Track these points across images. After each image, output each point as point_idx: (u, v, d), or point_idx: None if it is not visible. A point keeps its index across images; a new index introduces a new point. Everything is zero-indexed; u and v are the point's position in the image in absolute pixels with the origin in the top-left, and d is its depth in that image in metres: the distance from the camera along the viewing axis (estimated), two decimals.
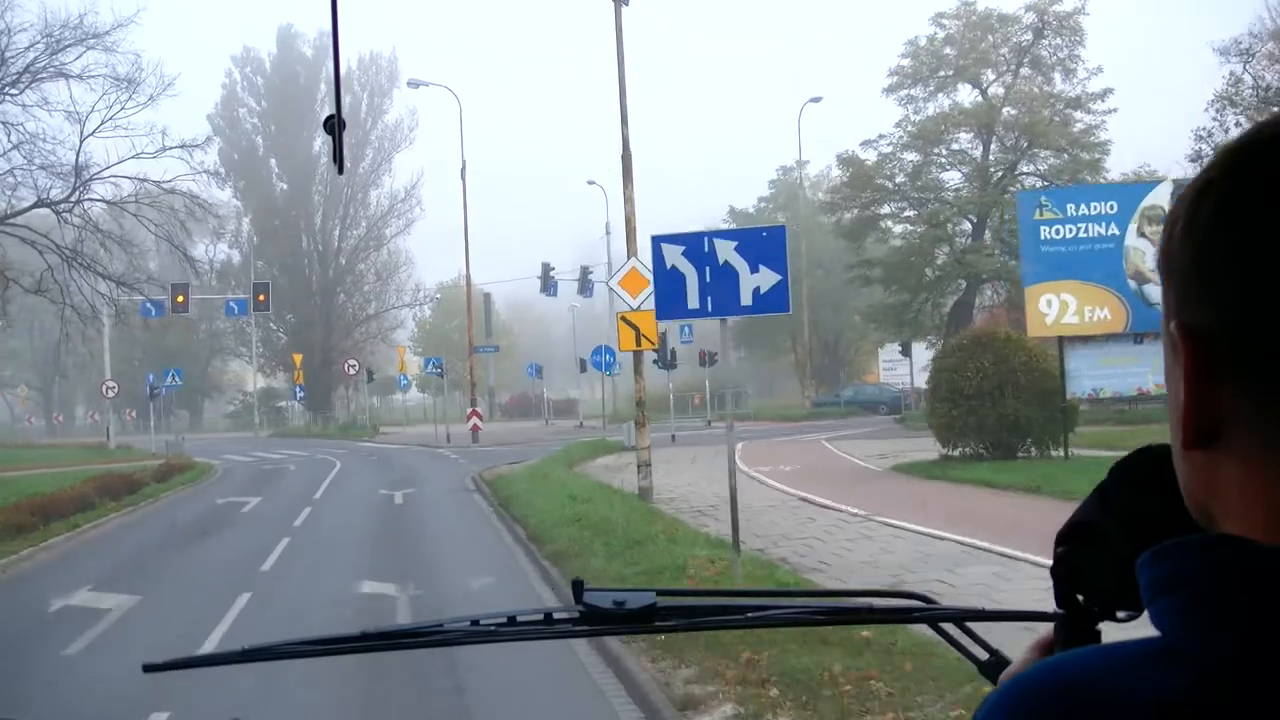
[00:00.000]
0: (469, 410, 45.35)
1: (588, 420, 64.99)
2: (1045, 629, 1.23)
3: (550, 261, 61.07)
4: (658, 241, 11.85)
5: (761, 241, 11.61)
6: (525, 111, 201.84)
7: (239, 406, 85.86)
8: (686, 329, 79.18)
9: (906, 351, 54.89)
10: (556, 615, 1.74)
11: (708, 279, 11.37)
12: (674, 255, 11.52)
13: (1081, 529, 1.11)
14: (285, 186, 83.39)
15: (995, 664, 1.58)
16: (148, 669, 1.76)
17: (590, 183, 66.26)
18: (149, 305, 54.60)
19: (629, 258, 21.66)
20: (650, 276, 22.11)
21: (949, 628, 1.76)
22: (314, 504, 24.87)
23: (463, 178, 46.62)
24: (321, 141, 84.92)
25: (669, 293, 11.62)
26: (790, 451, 34.11)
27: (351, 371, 60.33)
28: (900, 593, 1.98)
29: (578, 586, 1.68)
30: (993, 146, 46.49)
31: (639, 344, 21.13)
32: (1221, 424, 0.83)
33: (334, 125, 2.37)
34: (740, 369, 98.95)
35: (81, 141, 36.37)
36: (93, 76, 36.50)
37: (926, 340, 50.32)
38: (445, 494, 26.85)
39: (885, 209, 47.87)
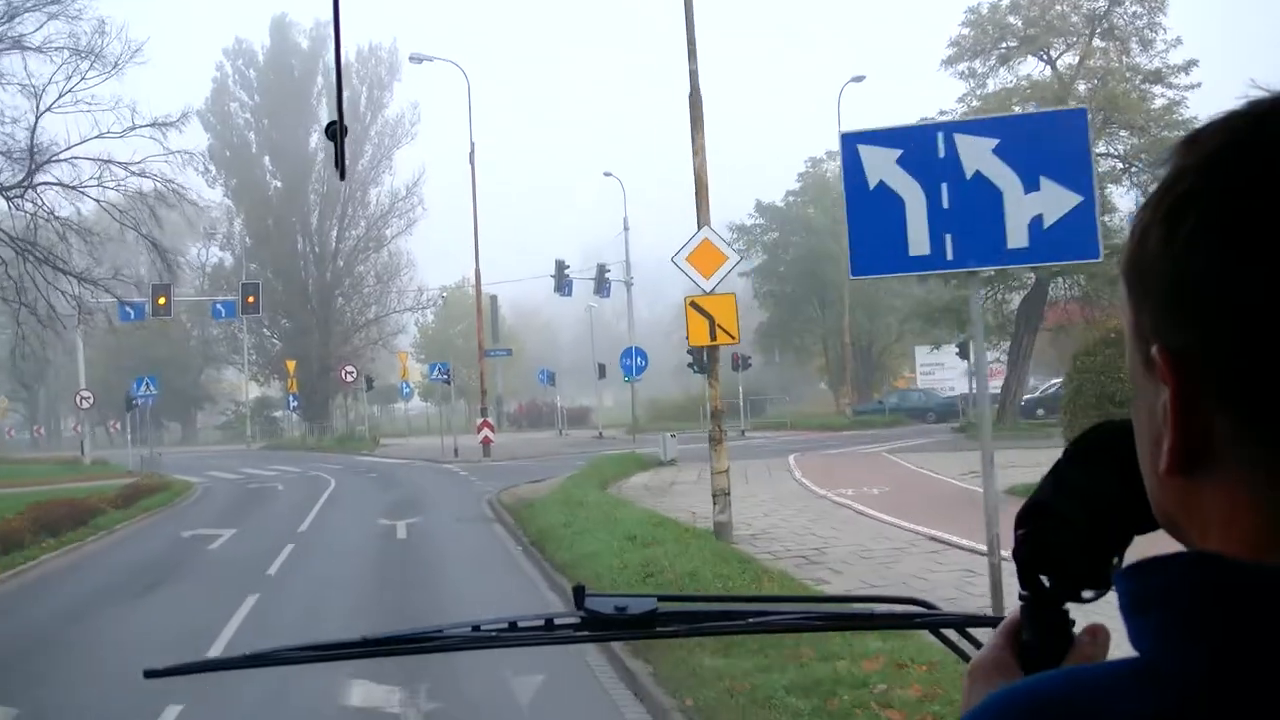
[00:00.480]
0: (480, 421, 40.53)
1: (606, 430, 60.19)
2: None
3: (562, 260, 56.30)
4: (852, 142, 7.05)
5: (1044, 135, 6.61)
6: (532, 106, 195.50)
7: (231, 417, 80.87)
8: None
9: (966, 353, 50.03)
10: (558, 621, 1.72)
11: (945, 203, 6.52)
12: (883, 165, 6.69)
13: (1040, 509, 1.07)
14: (279, 185, 78.75)
15: None
16: (149, 674, 1.73)
17: (607, 174, 61.55)
18: (127, 308, 49.78)
19: (699, 227, 16.94)
20: (729, 252, 17.48)
21: (950, 634, 1.75)
22: (298, 539, 20.13)
23: (471, 162, 42.06)
24: (318, 138, 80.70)
25: (875, 229, 6.83)
26: (858, 468, 29.34)
27: (349, 379, 55.60)
28: (902, 599, 1.90)
29: (579, 592, 1.67)
30: None
31: (714, 337, 16.40)
32: (1207, 449, 0.82)
33: (336, 132, 2.28)
34: (763, 374, 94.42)
35: (37, 118, 31.80)
36: (54, 49, 32.01)
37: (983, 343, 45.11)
38: (459, 525, 22.07)
39: None
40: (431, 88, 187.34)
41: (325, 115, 79.66)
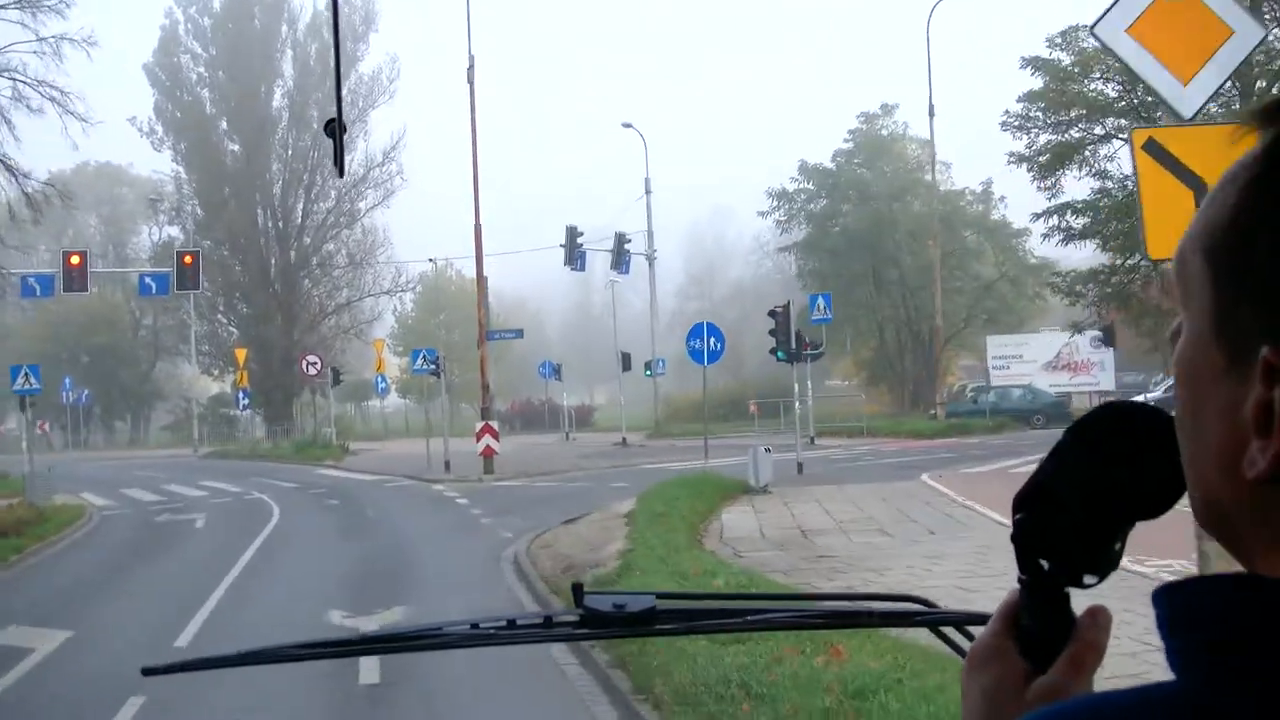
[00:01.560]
0: (479, 426, 30.24)
1: (615, 432, 49.96)
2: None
3: (561, 236, 45.99)
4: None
5: None
6: (529, 67, 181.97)
7: (180, 416, 70.10)
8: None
9: (1109, 339, 39.93)
10: (556, 619, 1.73)
11: None
12: None
13: (1041, 492, 1.04)
14: (237, 149, 68.21)
15: None
16: (146, 672, 1.71)
17: (626, 125, 51.31)
18: (31, 282, 39.37)
19: None
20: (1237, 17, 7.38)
21: (950, 632, 1.75)
22: (149, 692, 9.53)
23: (470, 81, 31.64)
24: (282, 96, 70.39)
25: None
26: None
27: (311, 371, 45.16)
28: (901, 596, 1.93)
29: (577, 590, 1.66)
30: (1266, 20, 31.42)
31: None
32: None
33: (335, 130, 2.36)
34: (762, 369, 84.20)
35: None
36: None
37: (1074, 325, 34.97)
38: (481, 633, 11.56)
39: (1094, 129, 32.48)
40: (411, 46, 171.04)
41: (290, 70, 69.65)
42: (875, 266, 54.58)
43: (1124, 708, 0.78)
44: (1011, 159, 33.61)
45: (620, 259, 48.11)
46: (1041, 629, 1.06)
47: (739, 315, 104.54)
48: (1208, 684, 0.76)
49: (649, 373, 51.01)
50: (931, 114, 45.18)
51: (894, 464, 29.58)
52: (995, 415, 42.32)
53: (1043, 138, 32.54)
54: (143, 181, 78.29)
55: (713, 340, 25.46)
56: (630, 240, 48.96)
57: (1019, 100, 32.32)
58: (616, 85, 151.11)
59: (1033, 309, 57.41)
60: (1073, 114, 31.61)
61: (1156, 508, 0.98)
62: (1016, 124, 32.63)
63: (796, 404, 32.64)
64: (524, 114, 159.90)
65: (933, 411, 48.25)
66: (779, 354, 27.39)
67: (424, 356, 34.19)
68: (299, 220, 68.64)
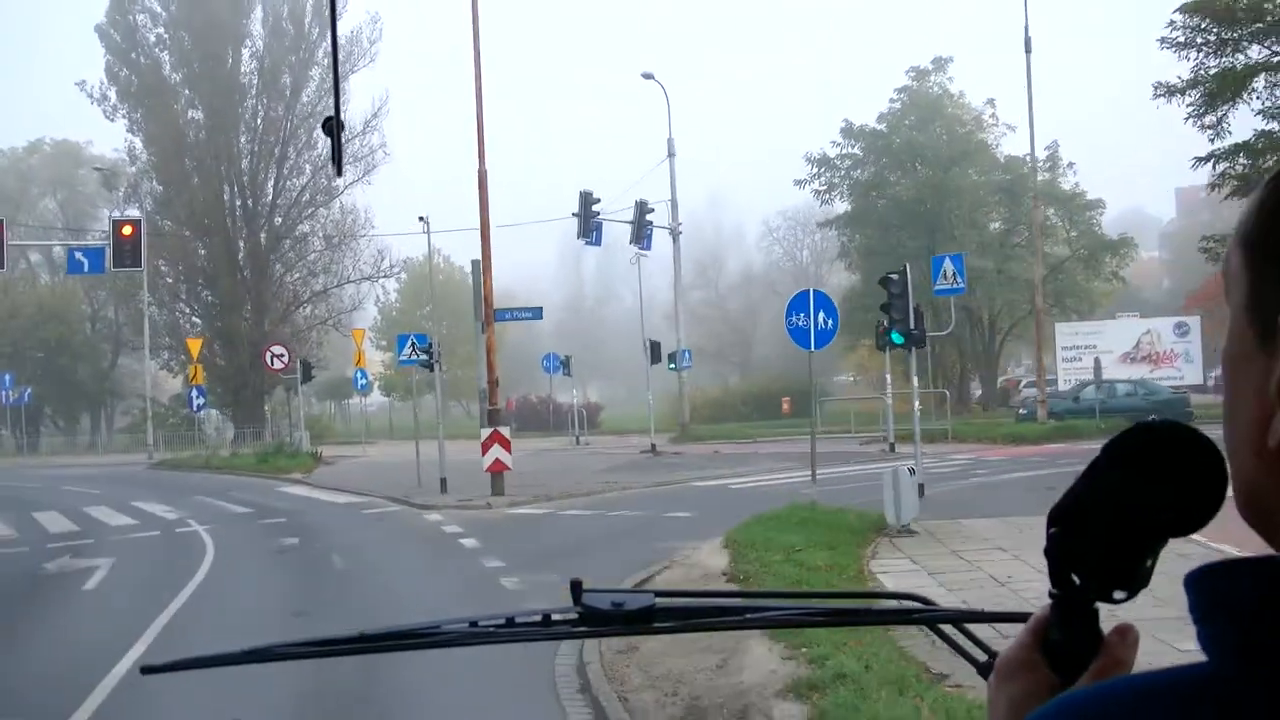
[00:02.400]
0: (486, 434, 23.09)
1: (629, 435, 42.84)
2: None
3: (590, 193, 38.85)
4: None
5: None
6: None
7: (137, 417, 62.56)
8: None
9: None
10: (555, 616, 1.70)
11: None
12: None
13: (1075, 508, 1.07)
14: (200, 117, 60.84)
15: (993, 664, 1.35)
16: (145, 670, 1.73)
17: (647, 77, 44.14)
18: None
19: None
20: None
21: (947, 629, 1.76)
22: None
23: (473, 7, 24.49)
24: (251, 60, 62.96)
25: None
26: None
27: (277, 365, 37.88)
28: (899, 594, 1.93)
29: (576, 587, 1.65)
30: None
31: None
32: None
33: (333, 127, 2.37)
34: (798, 361, 77.43)
35: None
36: None
37: None
38: None
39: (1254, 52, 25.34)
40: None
41: (259, 30, 62.27)
42: (932, 242, 47.49)
43: (1156, 688, 0.81)
44: (1159, 91, 26.41)
45: (642, 231, 40.98)
46: (1070, 643, 1.08)
47: (745, 305, 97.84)
48: (1235, 666, 0.78)
49: (672, 365, 43.97)
50: (1028, 48, 37.83)
51: (1028, 480, 22.59)
52: (1105, 415, 35.16)
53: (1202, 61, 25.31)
54: (104, 162, 70.68)
55: (823, 316, 18.29)
56: (653, 209, 41.84)
57: (1180, 11, 25.07)
58: (628, 37, 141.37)
59: (1104, 293, 50.43)
60: (1245, 32, 24.49)
61: (1189, 525, 0.98)
62: (1181, 40, 25.35)
63: (889, 399, 25.66)
64: (523, 75, 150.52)
65: (1022, 411, 41.11)
66: (893, 336, 20.24)
67: (413, 344, 26.90)
68: (270, 198, 61.56)
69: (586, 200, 38.73)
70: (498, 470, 23.82)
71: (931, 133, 48.61)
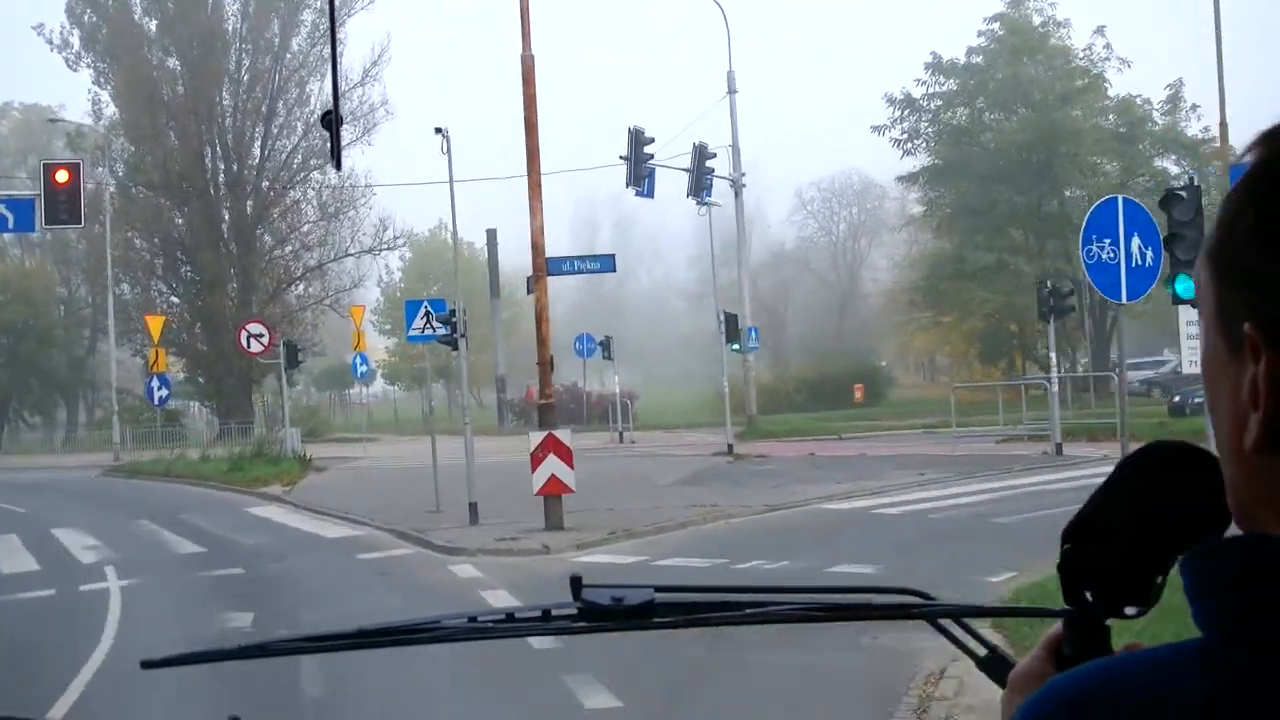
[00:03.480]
0: (539, 439, 15.51)
1: (672, 432, 35.39)
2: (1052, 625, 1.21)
3: (640, 129, 31.34)
4: None
5: None
6: None
7: (107, 412, 54.86)
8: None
9: None
10: (554, 612, 1.69)
11: None
12: None
13: (1088, 525, 1.10)
14: (176, 66, 53.20)
15: (993, 660, 1.53)
16: (146, 665, 1.74)
17: None
18: None
19: None
20: None
21: (947, 623, 1.76)
22: None
23: None
24: (234, 3, 55.34)
25: None
26: None
27: (255, 346, 30.22)
28: (899, 589, 1.87)
29: (576, 583, 1.64)
30: None
31: None
32: None
33: (332, 122, 2.42)
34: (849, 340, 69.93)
35: None
36: None
37: None
38: None
39: None
40: None
41: None
42: (1038, 196, 39.81)
43: (1151, 660, 0.86)
44: None
45: (702, 180, 33.42)
46: (1082, 658, 1.07)
47: (776, 283, 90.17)
48: (1221, 638, 0.82)
49: (735, 346, 36.51)
50: None
51: None
52: None
53: None
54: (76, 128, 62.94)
55: (1138, 244, 10.80)
56: (715, 154, 34.30)
57: None
58: None
59: None
60: None
61: (1201, 541, 0.97)
62: None
63: (1053, 384, 18.24)
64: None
65: (1175, 399, 33.55)
66: (1179, 286, 12.83)
67: (427, 312, 19.30)
68: (257, 160, 53.95)
69: (637, 140, 31.23)
70: (554, 493, 16.31)
71: (1034, 67, 40.87)
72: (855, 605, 1.91)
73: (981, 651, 1.61)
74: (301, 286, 55.97)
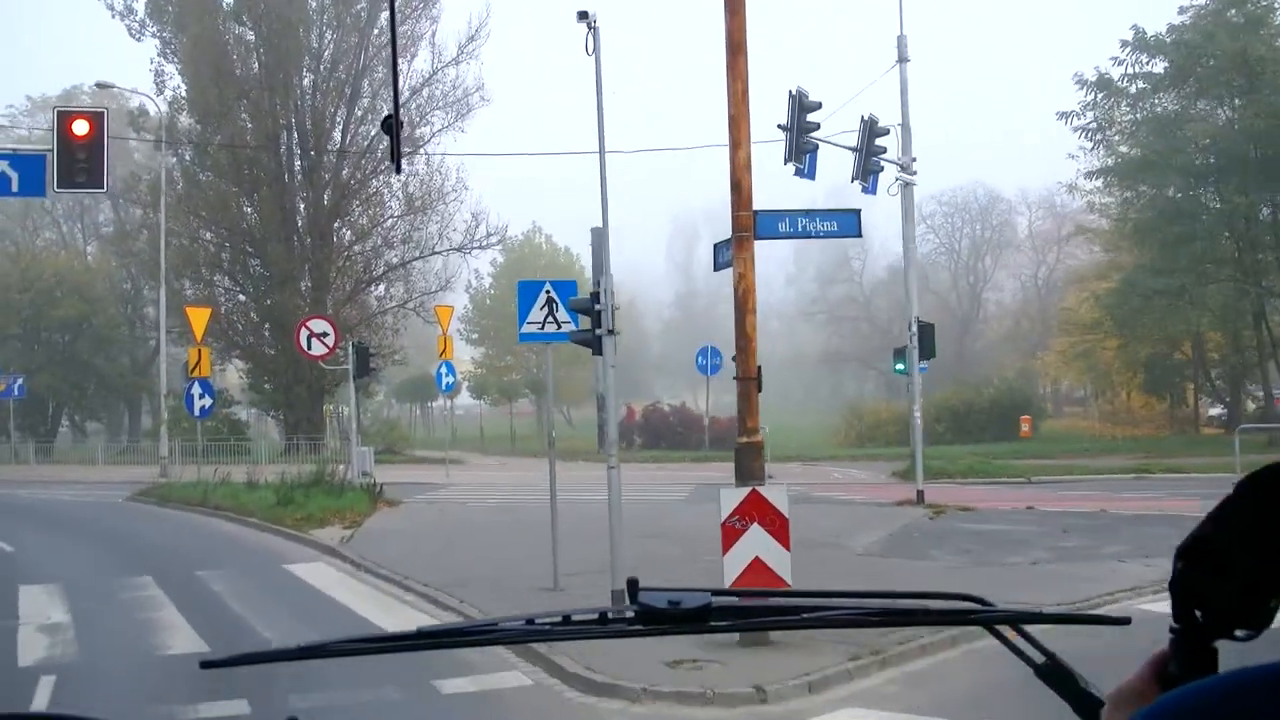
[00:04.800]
0: (735, 498, 9.12)
1: (813, 464, 28.87)
2: (1114, 632, 1.21)
3: (803, 92, 25.05)
4: None
5: None
6: None
7: (169, 418, 49.09)
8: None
9: None
10: (611, 615, 1.72)
11: None
12: None
13: (1203, 545, 1.09)
14: (251, 39, 47.72)
15: (1051, 668, 1.53)
16: (205, 665, 1.73)
17: None
18: None
19: None
20: None
21: (1004, 630, 1.75)
22: None
23: None
24: None
25: None
26: None
27: (317, 348, 24.05)
28: (955, 595, 1.88)
29: (632, 585, 1.66)
30: None
31: None
32: None
33: (392, 125, 2.54)
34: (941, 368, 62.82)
35: None
36: None
37: None
38: None
39: None
40: None
41: None
42: (1257, 199, 32.75)
43: (1253, 682, 0.84)
44: None
45: (869, 164, 26.97)
46: (1187, 678, 1.06)
47: (891, 304, 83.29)
48: None
49: (900, 367, 30.00)
50: None
51: None
52: None
53: None
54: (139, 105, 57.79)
55: None
56: (887, 130, 27.84)
57: None
58: None
59: None
60: None
61: None
62: None
63: None
64: None
65: None
66: None
67: (549, 298, 13.03)
68: (337, 146, 48.20)
69: (800, 106, 24.87)
70: (760, 583, 9.95)
71: (1261, 45, 33.82)
72: (912, 610, 1.89)
73: (1040, 659, 1.55)
74: (382, 287, 50.27)
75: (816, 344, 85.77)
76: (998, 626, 1.76)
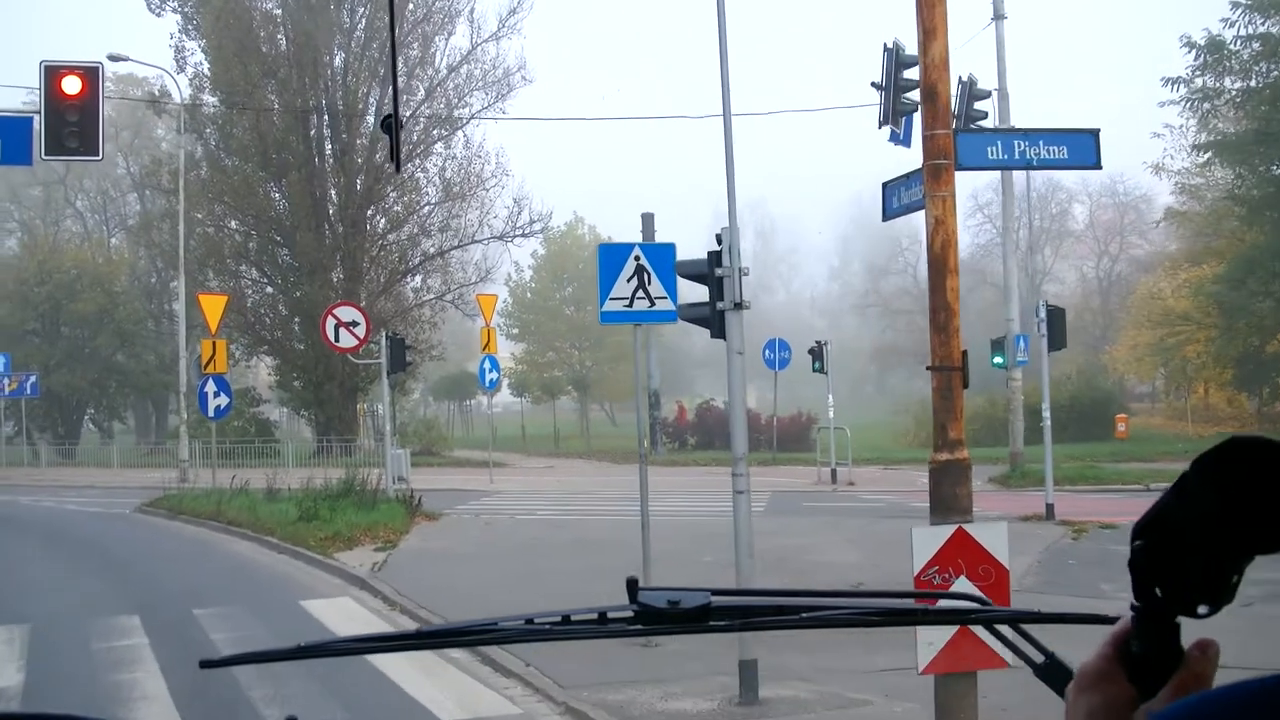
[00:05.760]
0: (938, 540, 6.06)
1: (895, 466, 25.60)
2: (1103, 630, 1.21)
3: (899, 45, 21.77)
4: None
5: None
6: None
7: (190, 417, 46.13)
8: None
9: None
10: (611, 615, 1.68)
11: None
12: None
13: (1161, 521, 1.07)
14: (278, 14, 44.84)
15: (1051, 666, 1.50)
16: (204, 665, 1.72)
17: None
18: None
19: None
20: None
21: (1004, 629, 1.76)
22: None
23: None
24: None
25: None
26: None
27: (346, 340, 21.00)
28: (955, 594, 1.99)
29: (632, 585, 1.62)
30: None
31: None
32: None
33: (392, 125, 2.39)
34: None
35: None
36: None
37: None
38: None
39: None
40: None
41: None
42: None
43: (1249, 698, 0.84)
44: None
45: (969, 124, 23.65)
46: (1151, 655, 1.08)
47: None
48: None
49: (999, 360, 26.86)
50: None
51: None
52: None
53: None
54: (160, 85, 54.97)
55: None
56: (987, 93, 24.64)
57: None
58: None
59: None
60: None
61: (1277, 543, 0.99)
62: None
63: None
64: None
65: None
66: None
67: (639, 268, 9.91)
68: (371, 128, 45.18)
69: (896, 61, 21.59)
70: (965, 669, 6.78)
71: None
72: (913, 610, 1.90)
73: (1039, 658, 1.54)
74: (418, 279, 47.25)
75: (865, 339, 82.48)
76: (997, 626, 1.75)
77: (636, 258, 10.20)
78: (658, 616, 1.60)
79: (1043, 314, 19.35)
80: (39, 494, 31.32)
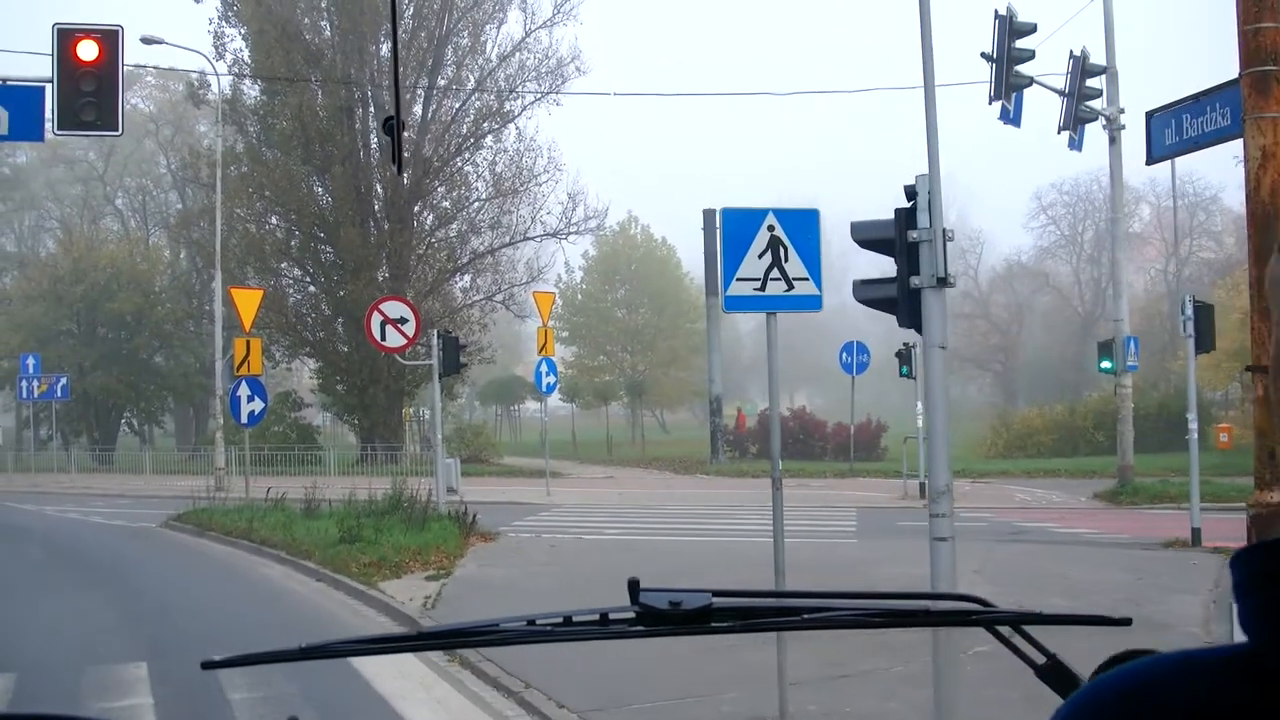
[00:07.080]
0: None
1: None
2: (1115, 633, 1.18)
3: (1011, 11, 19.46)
4: None
5: None
6: None
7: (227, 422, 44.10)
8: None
9: None
10: (612, 616, 1.69)
11: None
12: None
13: None
14: (322, 2, 42.90)
15: (1052, 668, 1.54)
16: (206, 665, 1.71)
17: None
18: None
19: None
20: None
21: (1006, 631, 1.75)
22: None
23: None
24: None
25: None
26: None
27: (393, 339, 18.80)
28: (957, 595, 1.91)
29: (634, 586, 1.63)
30: None
31: None
32: None
33: (393, 127, 2.34)
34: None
35: None
36: None
37: None
38: None
39: None
40: None
41: None
42: None
43: (1195, 664, 0.83)
44: None
45: (1081, 110, 21.33)
46: None
47: (1008, 301, 77.02)
48: (1269, 643, 0.80)
49: (1105, 363, 24.43)
50: None
51: None
52: None
53: None
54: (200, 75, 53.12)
55: None
56: (1102, 70, 22.20)
57: None
58: None
59: None
60: None
61: None
62: None
63: None
64: None
65: None
66: None
67: (774, 238, 7.61)
68: (419, 121, 43.18)
69: (1010, 31, 19.28)
70: None
71: None
72: (914, 612, 1.89)
73: (1040, 660, 1.55)
74: (467, 278, 45.16)
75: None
76: (999, 627, 1.74)
77: (771, 227, 7.88)
78: (660, 618, 1.59)
79: (1189, 311, 16.87)
80: (66, 503, 29.38)
